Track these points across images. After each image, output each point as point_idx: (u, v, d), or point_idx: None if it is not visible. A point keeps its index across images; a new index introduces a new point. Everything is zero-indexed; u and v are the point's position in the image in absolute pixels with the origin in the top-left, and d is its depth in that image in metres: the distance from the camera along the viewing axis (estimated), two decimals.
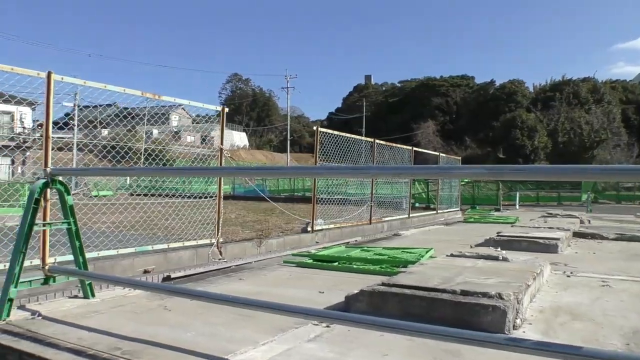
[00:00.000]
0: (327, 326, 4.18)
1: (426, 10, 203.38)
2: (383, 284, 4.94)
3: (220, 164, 8.80)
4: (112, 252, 7.01)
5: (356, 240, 12.14)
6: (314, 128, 11.95)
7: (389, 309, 4.55)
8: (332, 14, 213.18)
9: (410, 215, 16.86)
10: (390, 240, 11.64)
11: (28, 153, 35.67)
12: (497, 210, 26.25)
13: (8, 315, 4.28)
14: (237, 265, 8.45)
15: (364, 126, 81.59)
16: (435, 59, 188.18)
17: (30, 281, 4.54)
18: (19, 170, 36.07)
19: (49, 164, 6.21)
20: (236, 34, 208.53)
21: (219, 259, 8.60)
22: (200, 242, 8.43)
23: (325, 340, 3.88)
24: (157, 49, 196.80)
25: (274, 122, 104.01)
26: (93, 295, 5.02)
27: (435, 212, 19.73)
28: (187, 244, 8.22)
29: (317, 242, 11.30)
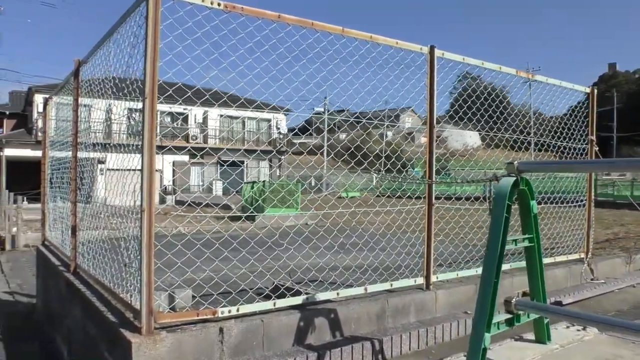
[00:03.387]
0: None
1: None
2: None
3: (591, 157, 6.96)
4: (471, 272, 5.48)
5: None
6: None
7: None
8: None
9: None
10: None
11: (283, 157, 37.94)
12: None
13: None
14: (619, 289, 6.59)
15: (614, 119, 72.00)
16: None
17: (497, 323, 3.20)
18: (277, 173, 38.77)
19: (433, 156, 5.04)
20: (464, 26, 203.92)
21: (591, 279, 6.79)
22: (570, 257, 6.70)
23: None
24: None
25: (507, 119, 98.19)
26: (549, 338, 3.59)
27: None
28: (558, 259, 6.55)
29: None
